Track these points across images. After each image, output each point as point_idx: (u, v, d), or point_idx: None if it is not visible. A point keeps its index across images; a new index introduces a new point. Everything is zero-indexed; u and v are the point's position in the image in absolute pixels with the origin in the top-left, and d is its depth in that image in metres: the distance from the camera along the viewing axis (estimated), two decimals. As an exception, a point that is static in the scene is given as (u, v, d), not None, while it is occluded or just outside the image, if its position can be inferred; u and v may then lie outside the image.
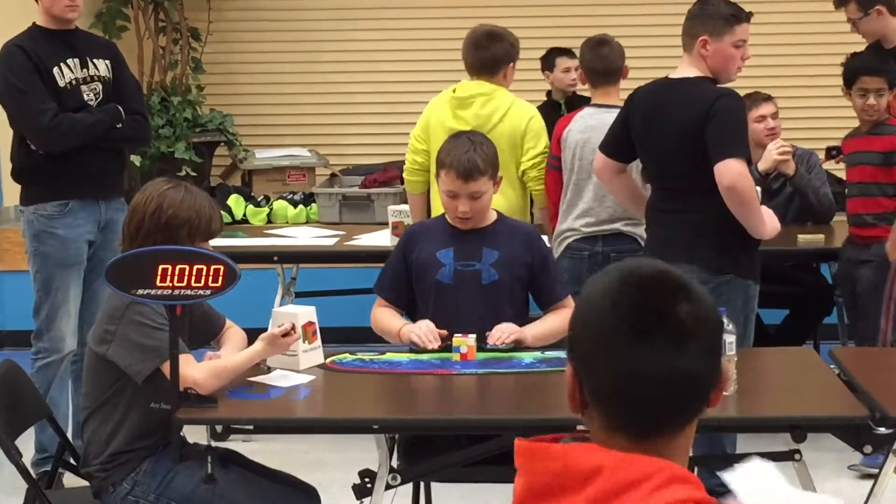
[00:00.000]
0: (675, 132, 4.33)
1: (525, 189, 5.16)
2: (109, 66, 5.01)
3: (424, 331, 3.76)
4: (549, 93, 7.07)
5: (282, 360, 3.61)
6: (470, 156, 3.83)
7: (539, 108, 7.00)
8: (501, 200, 4.57)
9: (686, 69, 4.42)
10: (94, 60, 4.96)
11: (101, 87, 4.96)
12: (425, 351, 3.79)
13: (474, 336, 3.71)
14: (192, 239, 3.47)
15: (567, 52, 6.85)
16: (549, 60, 7.00)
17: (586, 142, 5.03)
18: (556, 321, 3.86)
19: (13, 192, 7.53)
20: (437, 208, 4.91)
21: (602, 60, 5.08)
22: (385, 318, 3.90)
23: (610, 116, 4.96)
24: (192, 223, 3.48)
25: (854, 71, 5.06)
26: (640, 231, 4.95)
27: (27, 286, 5.05)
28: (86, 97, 4.90)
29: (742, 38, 4.38)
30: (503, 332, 3.75)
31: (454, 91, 5.12)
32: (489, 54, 5.08)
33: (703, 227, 4.32)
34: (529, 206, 5.28)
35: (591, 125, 5.05)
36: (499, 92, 5.07)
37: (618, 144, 4.61)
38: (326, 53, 8.33)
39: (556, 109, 6.65)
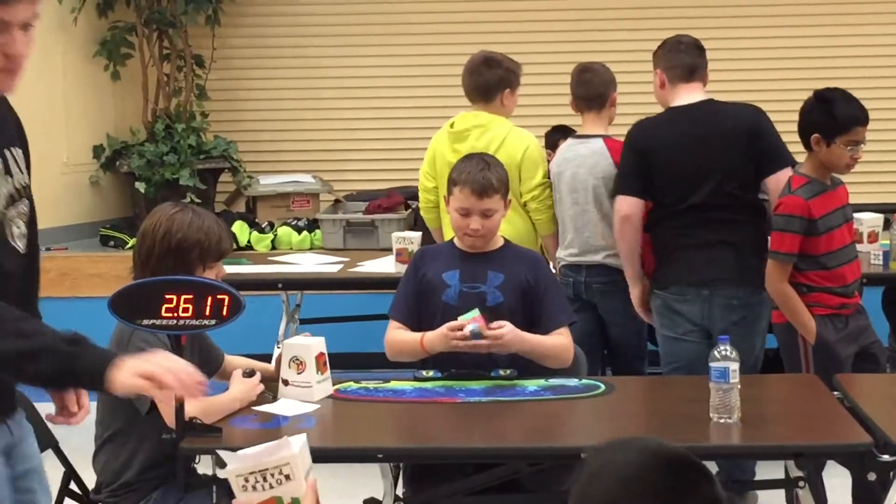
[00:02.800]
0: (718, 150, 4.58)
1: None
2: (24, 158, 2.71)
3: (451, 326, 3.77)
4: None
5: (296, 392, 3.61)
6: (484, 174, 3.90)
7: None
8: (509, 228, 4.58)
9: (698, 94, 4.74)
10: (13, 151, 2.64)
11: (27, 206, 2.67)
12: (429, 379, 3.81)
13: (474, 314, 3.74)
14: (203, 260, 3.49)
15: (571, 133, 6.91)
16: (552, 139, 7.02)
17: (561, 174, 5.10)
18: (546, 338, 3.87)
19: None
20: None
21: (583, 86, 5.14)
22: (402, 336, 3.92)
23: (584, 148, 5.05)
24: (202, 245, 3.49)
25: (850, 120, 4.31)
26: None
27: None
28: (14, 232, 2.61)
29: None
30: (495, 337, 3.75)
31: (452, 125, 5.13)
32: (482, 80, 5.09)
33: (744, 246, 4.56)
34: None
35: (566, 157, 5.12)
36: (495, 122, 5.06)
37: (645, 183, 4.74)
38: (330, 80, 8.36)
39: None
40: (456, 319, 3.77)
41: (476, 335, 3.70)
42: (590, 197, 5.01)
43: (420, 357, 3.90)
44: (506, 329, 3.74)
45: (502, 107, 5.13)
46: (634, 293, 4.88)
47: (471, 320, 3.72)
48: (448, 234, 5.08)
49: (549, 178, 5.14)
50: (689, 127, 4.67)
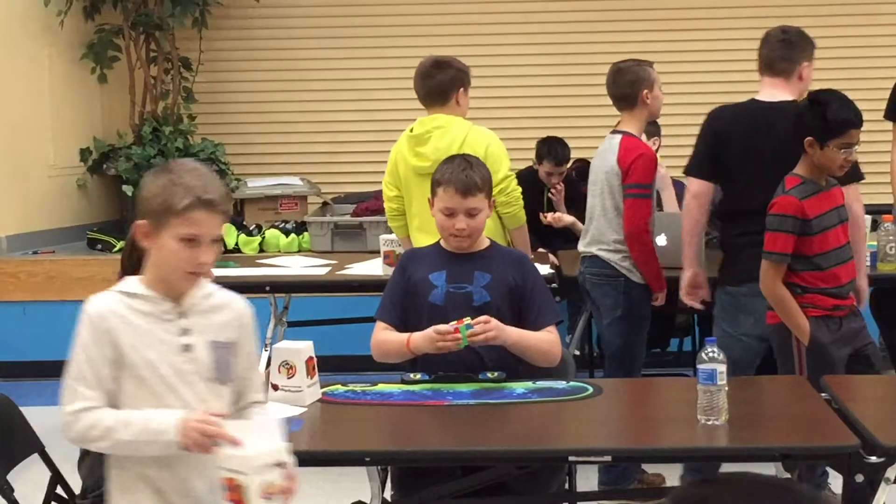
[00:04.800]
0: (785, 156, 4.46)
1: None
2: None
3: (439, 330, 3.76)
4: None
5: (287, 396, 3.60)
6: (468, 173, 3.92)
7: (520, 172, 6.99)
8: None
9: (782, 93, 4.77)
10: None
11: None
12: (416, 382, 3.80)
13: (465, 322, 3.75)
14: None
15: (554, 157, 6.90)
16: (539, 151, 6.99)
17: (591, 165, 5.16)
18: (534, 335, 3.87)
19: (3, 221, 7.55)
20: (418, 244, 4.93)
21: (609, 85, 5.19)
22: (388, 336, 3.91)
23: (608, 142, 5.15)
24: None
25: (843, 124, 4.27)
26: (614, 258, 5.06)
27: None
28: None
29: None
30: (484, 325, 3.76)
31: (411, 130, 5.13)
32: (436, 82, 5.11)
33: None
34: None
35: (598, 150, 5.18)
36: (454, 123, 5.07)
37: (713, 166, 4.78)
38: (318, 82, 8.36)
39: (535, 185, 6.71)
40: (441, 321, 3.77)
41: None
42: (597, 189, 5.06)
43: (406, 358, 3.89)
44: (490, 325, 3.73)
45: (458, 106, 5.14)
46: (686, 275, 4.93)
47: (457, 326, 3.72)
48: (416, 240, 5.06)
49: (511, 171, 5.14)
50: (764, 125, 4.70)
